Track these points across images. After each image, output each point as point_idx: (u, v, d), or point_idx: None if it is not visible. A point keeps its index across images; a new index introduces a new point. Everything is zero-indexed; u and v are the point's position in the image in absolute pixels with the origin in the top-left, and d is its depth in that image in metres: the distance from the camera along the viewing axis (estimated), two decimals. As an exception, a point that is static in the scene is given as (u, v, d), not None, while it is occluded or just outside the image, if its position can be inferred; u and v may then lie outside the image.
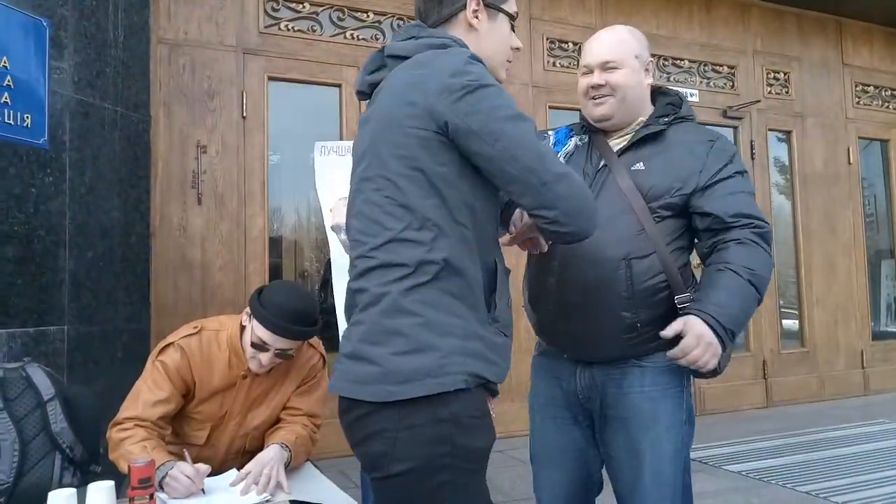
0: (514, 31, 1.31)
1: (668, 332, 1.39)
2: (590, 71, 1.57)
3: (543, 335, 1.65)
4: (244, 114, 3.61)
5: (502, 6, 1.27)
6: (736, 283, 1.41)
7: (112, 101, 2.87)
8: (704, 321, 1.36)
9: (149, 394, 1.72)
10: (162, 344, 1.80)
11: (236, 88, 3.61)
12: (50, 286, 2.53)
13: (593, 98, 1.57)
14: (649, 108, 1.61)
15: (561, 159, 1.54)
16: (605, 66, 1.55)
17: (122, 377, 2.24)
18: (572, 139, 1.62)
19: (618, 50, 1.55)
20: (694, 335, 1.35)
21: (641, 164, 1.52)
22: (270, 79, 3.71)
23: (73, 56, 2.66)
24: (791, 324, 5.29)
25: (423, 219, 1.10)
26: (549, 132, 1.66)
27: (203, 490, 1.60)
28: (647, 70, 1.58)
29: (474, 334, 1.11)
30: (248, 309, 1.77)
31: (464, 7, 1.24)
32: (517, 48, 1.32)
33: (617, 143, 1.58)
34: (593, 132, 1.61)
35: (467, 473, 1.09)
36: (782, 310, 5.22)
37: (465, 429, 1.08)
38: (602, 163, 1.55)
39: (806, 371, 5.15)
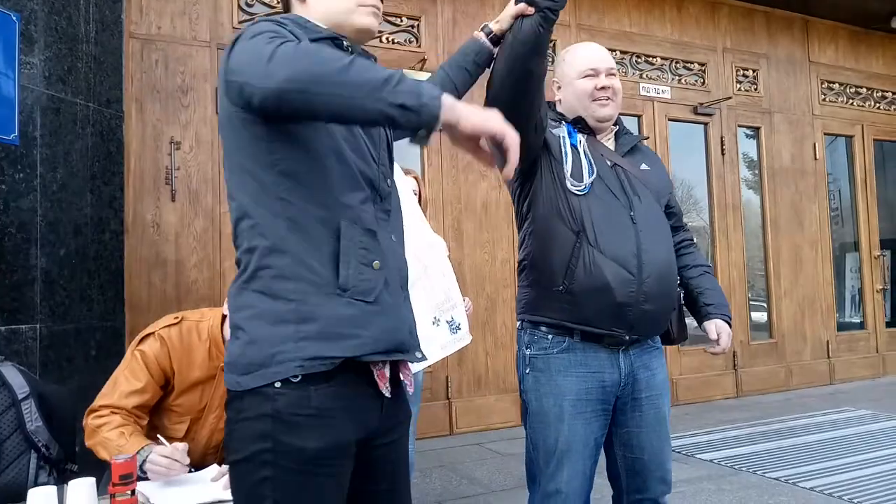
0: None
1: (711, 333, 1.79)
2: (595, 74, 1.73)
3: (602, 322, 1.62)
4: (218, 109, 3.58)
5: None
6: (716, 282, 1.89)
7: (84, 97, 2.83)
8: (727, 322, 1.79)
9: (126, 383, 1.72)
10: (143, 333, 1.80)
11: (210, 84, 3.58)
12: (21, 284, 2.50)
13: (599, 100, 1.72)
14: None
15: (581, 150, 1.70)
16: (610, 72, 1.74)
17: (96, 375, 2.23)
18: (578, 136, 1.73)
19: (612, 61, 1.78)
20: (727, 334, 1.78)
21: (645, 165, 1.76)
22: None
23: (43, 51, 2.62)
24: (760, 316, 5.42)
25: (240, 208, 1.12)
26: (560, 128, 1.73)
27: (189, 468, 1.61)
28: None
29: (310, 315, 1.06)
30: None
31: None
32: None
33: (608, 145, 1.78)
34: (584, 133, 1.74)
35: (293, 473, 1.06)
36: (751, 302, 5.34)
37: (290, 426, 1.05)
38: (610, 162, 1.71)
39: (774, 361, 5.28)
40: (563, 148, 1.68)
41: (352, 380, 1.11)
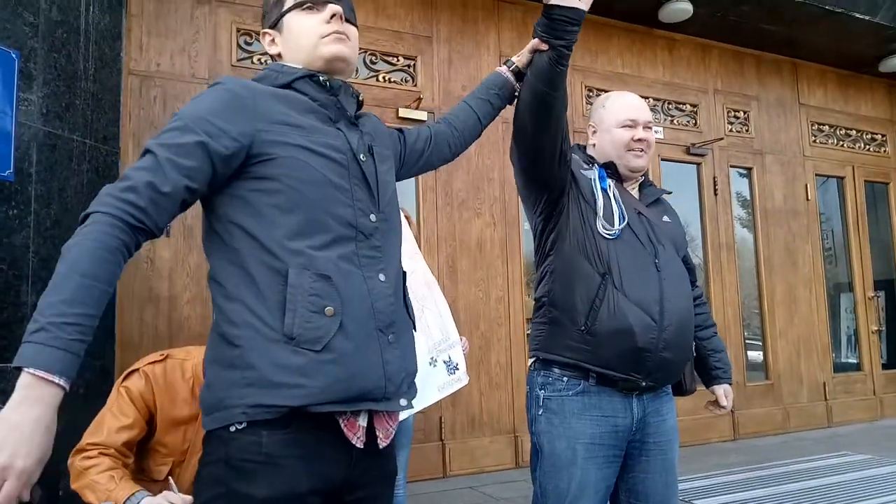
0: (316, 7, 1.25)
1: (722, 400, 1.95)
2: (634, 126, 1.78)
3: (621, 367, 1.61)
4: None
5: (283, 11, 1.28)
6: (723, 344, 1.99)
7: (81, 133, 2.83)
8: (731, 385, 1.96)
9: (113, 420, 1.69)
10: (128, 371, 1.78)
11: (208, 121, 3.60)
12: (11, 322, 2.46)
13: (634, 150, 1.78)
14: None
15: (612, 194, 1.74)
16: (648, 125, 1.80)
17: (83, 415, 2.18)
18: (609, 179, 1.78)
19: (650, 113, 1.86)
20: (731, 399, 1.97)
21: (667, 217, 1.81)
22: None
23: (42, 88, 2.63)
24: (756, 355, 5.39)
25: (207, 257, 1.18)
26: (591, 170, 1.79)
27: None
28: None
29: (255, 362, 1.05)
30: None
31: (265, 48, 1.34)
32: (332, 15, 1.26)
33: (633, 194, 1.84)
34: (613, 178, 1.80)
35: None
36: (747, 341, 5.32)
37: (240, 473, 1.04)
38: (636, 209, 1.75)
39: (771, 403, 5.24)
40: (595, 191, 1.71)
41: (313, 427, 1.07)
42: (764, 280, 5.37)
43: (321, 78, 1.24)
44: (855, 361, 5.86)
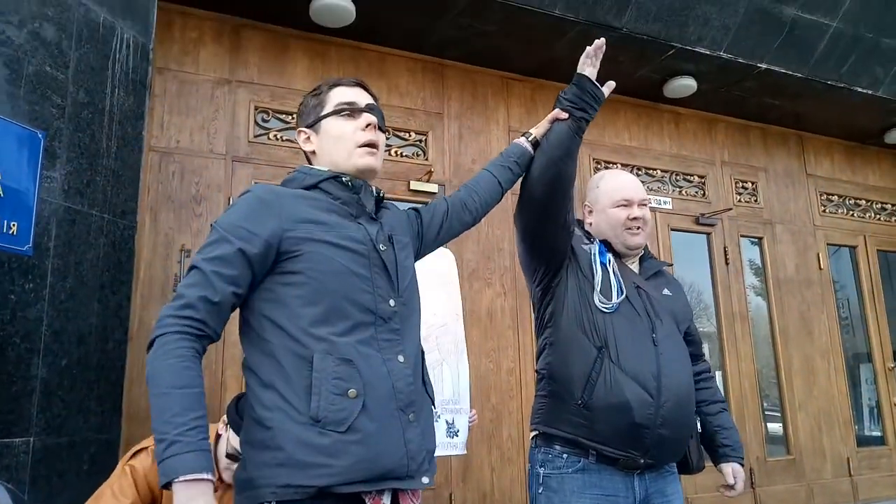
0: (353, 114, 1.38)
1: (729, 478, 1.87)
2: (629, 205, 1.82)
3: (619, 443, 1.60)
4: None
5: (321, 114, 1.40)
6: (731, 420, 1.93)
7: (100, 209, 2.91)
8: (741, 464, 1.88)
9: (112, 499, 1.67)
10: (135, 448, 1.76)
11: (223, 194, 3.69)
12: (20, 395, 2.46)
13: (631, 229, 1.81)
14: None
15: (611, 269, 1.77)
16: (643, 203, 1.84)
17: (87, 491, 2.15)
18: (608, 255, 1.81)
19: (644, 192, 1.89)
20: (742, 479, 1.88)
21: (667, 290, 1.82)
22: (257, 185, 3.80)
23: (65, 165, 2.72)
24: (776, 427, 5.24)
25: (243, 349, 1.28)
26: (592, 245, 1.84)
27: None
28: None
29: (283, 443, 1.12)
30: (224, 417, 1.74)
31: (300, 143, 1.46)
32: (368, 125, 1.38)
33: (633, 268, 1.84)
34: (613, 254, 1.83)
35: None
36: (766, 412, 5.18)
37: None
38: (634, 283, 1.76)
39: (793, 479, 5.05)
40: (593, 265, 1.73)
41: None
42: (780, 350, 5.28)
43: (344, 179, 1.35)
44: (879, 435, 5.67)
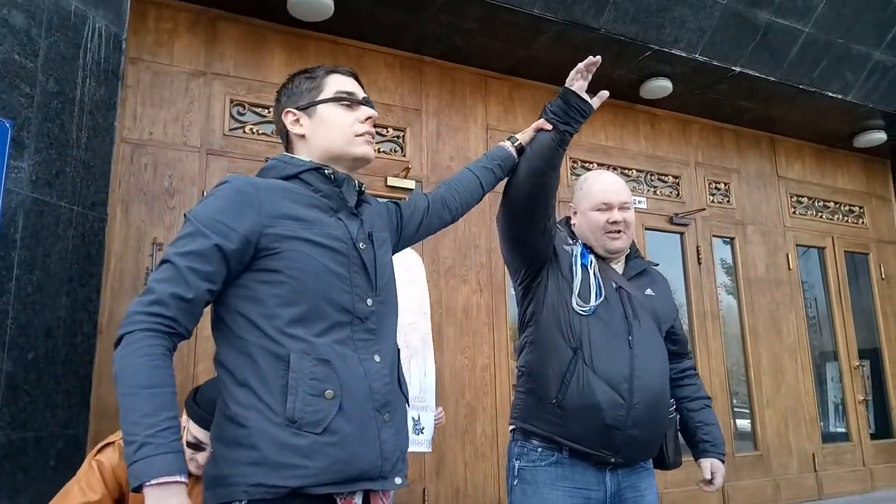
0: (352, 105, 1.36)
1: (707, 473, 1.85)
2: (608, 208, 1.80)
3: (590, 442, 1.63)
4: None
5: (318, 98, 1.36)
6: (714, 416, 1.93)
7: (69, 200, 2.86)
8: (722, 461, 1.87)
9: (80, 495, 1.64)
10: (102, 443, 1.74)
11: (197, 187, 3.65)
12: (-16, 389, 2.41)
13: (611, 233, 1.79)
14: None
15: (591, 271, 1.77)
16: (623, 206, 1.81)
17: (52, 487, 2.11)
18: (590, 257, 1.81)
19: (628, 193, 1.85)
20: (721, 475, 1.86)
21: (650, 290, 1.82)
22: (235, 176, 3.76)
23: (33, 156, 2.67)
24: (744, 423, 5.34)
25: (217, 343, 1.25)
26: (574, 246, 1.84)
27: None
28: None
29: (258, 442, 1.10)
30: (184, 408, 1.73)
31: (285, 124, 1.38)
32: (368, 118, 1.37)
33: (617, 268, 1.85)
34: (596, 256, 1.83)
35: None
36: (735, 409, 5.28)
37: None
38: (615, 284, 1.76)
39: (761, 475, 5.15)
40: (574, 267, 1.74)
41: None
42: (750, 348, 5.38)
43: (327, 171, 1.31)
44: (843, 431, 5.81)
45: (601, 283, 1.73)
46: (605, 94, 1.79)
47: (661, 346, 1.77)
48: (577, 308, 1.69)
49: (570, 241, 1.83)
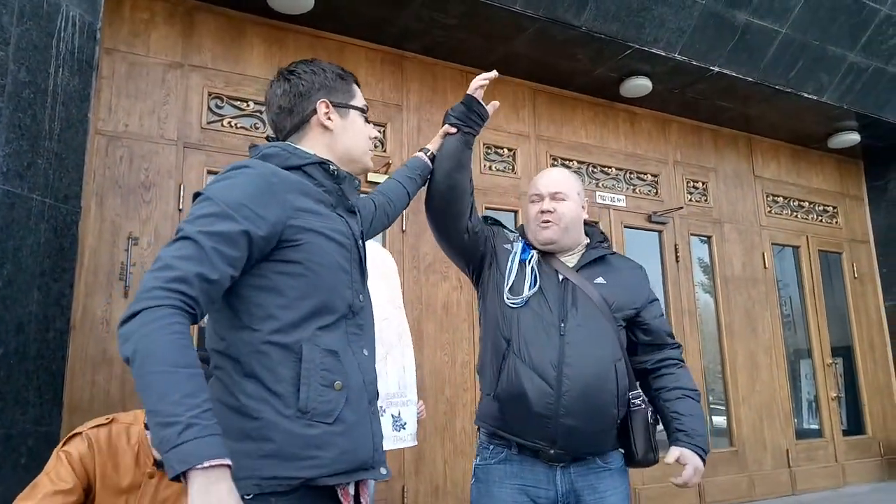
0: (367, 122, 1.47)
1: (670, 459, 1.72)
2: (540, 199, 1.83)
3: (527, 434, 1.63)
4: (181, 206, 3.57)
5: (352, 103, 1.42)
6: (696, 408, 1.81)
7: (41, 193, 2.80)
8: (698, 455, 1.73)
9: (49, 485, 1.61)
10: (70, 434, 1.71)
11: (174, 181, 3.59)
12: (-49, 386, 2.35)
13: (539, 223, 1.81)
14: (584, 237, 1.91)
15: (530, 265, 1.79)
16: (555, 196, 1.82)
17: (22, 486, 2.07)
18: (531, 252, 1.83)
19: (566, 184, 1.85)
20: (693, 467, 1.71)
21: (602, 279, 1.80)
22: (210, 173, 3.71)
23: (3, 147, 2.60)
24: (720, 420, 5.41)
25: (223, 333, 1.20)
26: (514, 244, 1.87)
27: None
28: (583, 206, 1.90)
29: (271, 434, 1.09)
30: None
31: (314, 112, 1.37)
32: (374, 137, 1.48)
33: (569, 261, 1.84)
34: (543, 252, 1.85)
35: None
36: (711, 406, 5.34)
37: None
38: (561, 276, 1.77)
39: (736, 470, 5.23)
40: (510, 263, 1.78)
41: (315, 496, 1.12)
42: (726, 346, 5.44)
43: (331, 167, 1.33)
44: (816, 428, 5.91)
45: (538, 276, 1.75)
46: (496, 103, 1.96)
47: (604, 333, 1.70)
48: (507, 302, 1.73)
49: (512, 240, 1.88)
